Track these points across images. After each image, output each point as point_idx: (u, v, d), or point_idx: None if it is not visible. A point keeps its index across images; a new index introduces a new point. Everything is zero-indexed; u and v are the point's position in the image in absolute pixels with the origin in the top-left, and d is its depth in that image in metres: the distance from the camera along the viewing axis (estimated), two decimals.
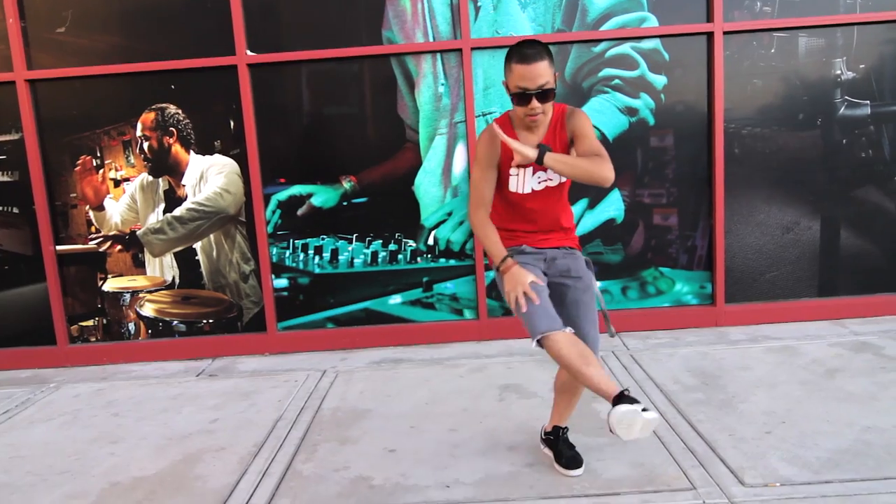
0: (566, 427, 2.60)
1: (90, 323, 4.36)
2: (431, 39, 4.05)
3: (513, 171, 2.30)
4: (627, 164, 4.14)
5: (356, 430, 3.05)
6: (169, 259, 4.30)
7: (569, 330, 2.22)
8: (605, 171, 2.15)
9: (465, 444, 2.83)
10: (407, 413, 3.20)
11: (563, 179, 2.33)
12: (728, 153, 4.10)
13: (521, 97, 2.18)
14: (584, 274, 2.41)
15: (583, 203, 4.17)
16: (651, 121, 4.11)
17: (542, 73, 2.15)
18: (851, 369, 3.37)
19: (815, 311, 4.20)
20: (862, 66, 4.06)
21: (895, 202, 4.17)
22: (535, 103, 2.18)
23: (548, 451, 2.63)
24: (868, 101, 4.09)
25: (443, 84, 4.10)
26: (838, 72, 4.07)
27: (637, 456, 2.61)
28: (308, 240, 4.26)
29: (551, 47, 4.01)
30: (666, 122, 4.11)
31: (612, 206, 4.19)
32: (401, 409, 3.26)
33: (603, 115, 4.09)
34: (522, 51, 2.18)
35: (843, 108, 4.10)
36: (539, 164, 2.15)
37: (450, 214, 4.21)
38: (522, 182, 2.32)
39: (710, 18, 3.99)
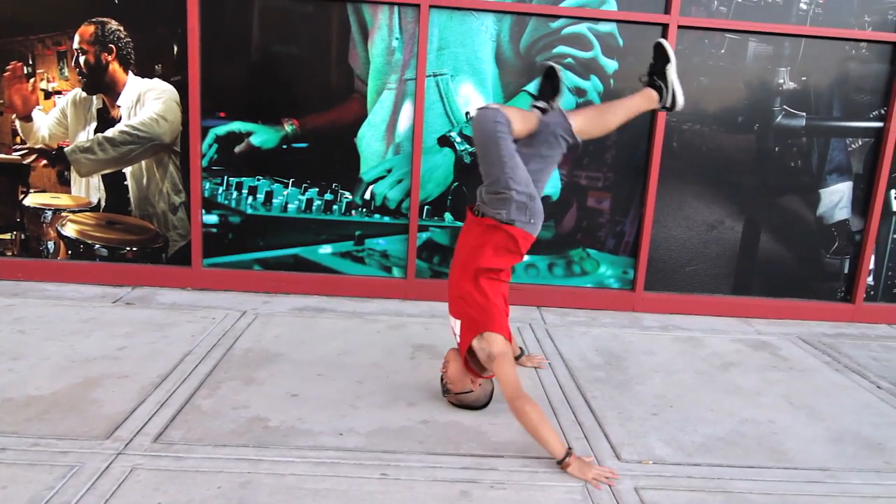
0: None
1: (7, 236, 4.22)
2: None
3: None
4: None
5: (264, 372, 3.07)
6: (96, 180, 4.17)
7: None
8: None
9: (368, 396, 2.89)
10: (318, 361, 3.24)
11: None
12: (666, 146, 4.20)
13: None
14: None
15: None
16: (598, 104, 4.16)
17: None
18: (746, 364, 3.56)
19: (727, 308, 4.40)
20: (804, 78, 4.19)
21: (814, 213, 4.37)
22: None
23: None
24: (804, 114, 4.23)
25: (397, 38, 4.05)
26: (781, 81, 4.19)
27: None
28: (243, 179, 4.19)
29: (509, 17, 4.02)
30: None
31: (550, 184, 4.24)
32: (313, 357, 3.30)
33: None
34: None
35: (780, 117, 4.24)
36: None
37: (389, 171, 4.20)
38: None
39: (667, 10, 4.04)
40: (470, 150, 4.17)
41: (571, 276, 4.38)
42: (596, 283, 4.39)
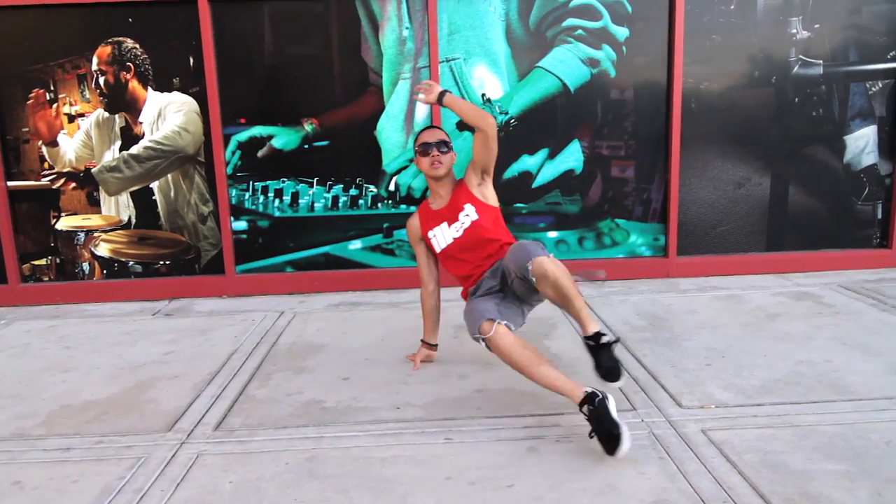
0: None
1: (43, 262, 4.28)
2: None
3: (430, 234, 2.77)
4: (588, 115, 4.20)
5: (311, 362, 3.08)
6: (125, 198, 4.23)
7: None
8: (488, 116, 2.60)
9: (418, 374, 2.89)
10: (362, 348, 3.25)
11: (476, 217, 2.65)
12: (685, 108, 4.18)
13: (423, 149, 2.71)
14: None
15: (543, 153, 4.23)
16: (612, 73, 4.16)
17: (438, 133, 2.74)
18: (791, 314, 3.52)
19: (762, 265, 4.35)
20: (817, 25, 4.16)
21: (841, 161, 4.32)
22: (434, 151, 2.69)
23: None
24: (821, 61, 4.20)
25: (407, 28, 4.08)
26: (794, 31, 4.17)
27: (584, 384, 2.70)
28: (268, 182, 4.23)
29: None
30: (626, 75, 4.17)
31: (572, 157, 4.25)
32: (356, 345, 3.30)
33: (565, 65, 4.13)
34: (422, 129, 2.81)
35: (796, 67, 4.21)
36: (439, 103, 2.69)
37: (411, 161, 4.22)
38: (442, 238, 2.74)
39: None
40: None
41: (602, 248, 4.36)
42: (628, 253, 4.37)
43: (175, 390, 2.81)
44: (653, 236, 4.35)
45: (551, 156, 4.24)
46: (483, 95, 4.14)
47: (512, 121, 4.17)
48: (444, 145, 2.70)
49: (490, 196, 2.76)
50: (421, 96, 2.74)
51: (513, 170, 4.24)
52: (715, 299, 3.84)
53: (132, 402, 2.70)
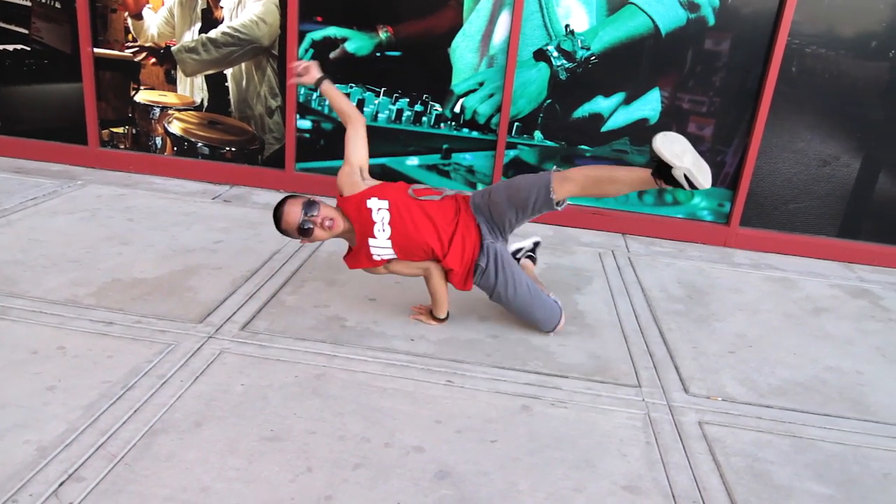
0: None
1: (120, 130, 4.50)
2: None
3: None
4: (675, 63, 3.93)
5: (345, 276, 3.20)
6: (200, 81, 4.33)
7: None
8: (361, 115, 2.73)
9: None
10: None
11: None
12: (784, 71, 3.85)
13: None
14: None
15: (618, 97, 4.03)
16: (711, 20, 3.84)
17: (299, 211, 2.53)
18: (840, 311, 3.36)
19: (829, 251, 4.12)
20: None
21: None
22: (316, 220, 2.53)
23: None
24: None
25: None
26: None
27: (598, 349, 2.72)
28: (337, 86, 4.21)
29: None
30: (726, 25, 3.84)
31: (649, 106, 4.03)
32: None
33: (662, 4, 3.83)
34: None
35: None
36: (315, 89, 2.78)
37: (481, 84, 4.11)
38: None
39: None
40: (567, 65, 3.99)
41: (662, 205, 4.21)
42: (687, 214, 4.20)
43: (215, 282, 3.00)
44: (718, 201, 4.16)
45: (627, 101, 4.03)
46: (567, 27, 3.92)
47: (592, 58, 3.96)
48: (312, 219, 2.51)
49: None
50: (296, 79, 2.71)
51: (583, 110, 4.07)
52: (766, 280, 3.70)
53: (175, 287, 2.92)
